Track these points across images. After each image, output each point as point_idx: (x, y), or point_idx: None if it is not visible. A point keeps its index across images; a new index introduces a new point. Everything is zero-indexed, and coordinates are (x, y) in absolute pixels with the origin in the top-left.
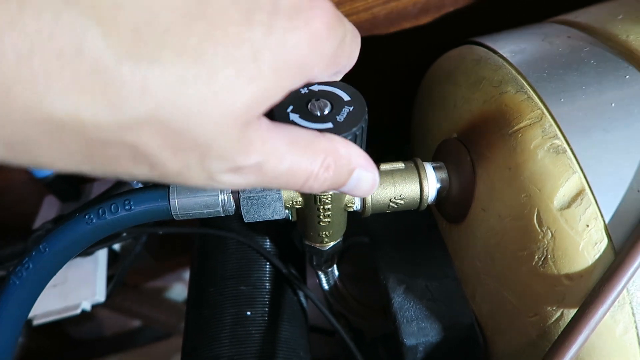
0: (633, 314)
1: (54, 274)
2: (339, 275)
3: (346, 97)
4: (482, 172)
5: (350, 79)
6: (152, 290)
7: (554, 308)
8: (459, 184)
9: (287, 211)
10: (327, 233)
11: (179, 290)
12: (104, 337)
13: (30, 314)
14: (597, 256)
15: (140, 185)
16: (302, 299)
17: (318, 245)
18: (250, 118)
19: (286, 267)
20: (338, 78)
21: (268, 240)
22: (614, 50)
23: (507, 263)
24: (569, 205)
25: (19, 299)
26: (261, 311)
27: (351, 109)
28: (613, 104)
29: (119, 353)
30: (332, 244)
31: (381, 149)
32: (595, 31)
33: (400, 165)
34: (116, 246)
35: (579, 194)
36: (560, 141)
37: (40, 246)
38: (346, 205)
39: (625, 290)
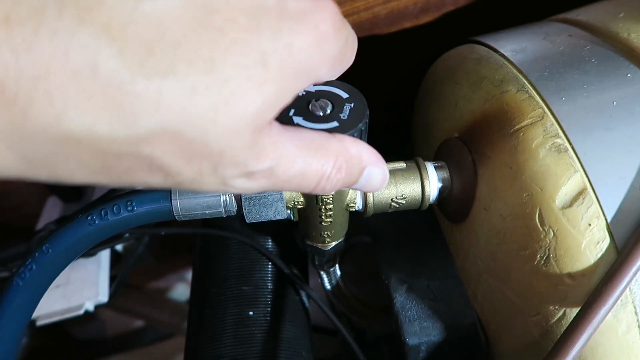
0: (635, 313)
1: (57, 275)
2: (340, 275)
3: (345, 95)
4: (483, 171)
5: (350, 79)
6: (154, 290)
7: (556, 307)
8: (461, 184)
9: (288, 211)
10: (328, 233)
11: (181, 290)
12: (107, 337)
13: (34, 315)
14: (599, 255)
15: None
16: (305, 299)
17: (320, 245)
18: (261, 123)
19: (288, 267)
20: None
21: (270, 240)
22: (615, 49)
23: (509, 262)
24: (570, 204)
25: (23, 300)
26: (263, 311)
27: (352, 105)
28: (615, 103)
29: (122, 353)
30: (334, 243)
31: (382, 149)
32: (597, 30)
33: (401, 164)
34: (119, 247)
35: (580, 192)
36: (561, 140)
37: (44, 247)
38: (348, 205)
39: (627, 289)
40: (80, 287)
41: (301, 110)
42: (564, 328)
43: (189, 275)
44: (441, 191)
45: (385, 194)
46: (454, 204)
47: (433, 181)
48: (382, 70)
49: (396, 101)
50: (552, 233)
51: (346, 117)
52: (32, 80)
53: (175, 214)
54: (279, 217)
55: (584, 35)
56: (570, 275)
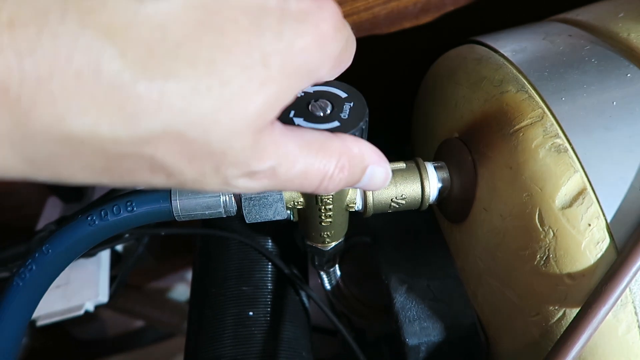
0: (635, 313)
1: (57, 275)
2: (340, 275)
3: (343, 94)
4: (483, 171)
5: (351, 80)
6: (154, 290)
7: (556, 307)
8: (461, 184)
9: (288, 212)
10: (328, 233)
11: (181, 290)
12: (107, 337)
13: (34, 315)
14: (599, 255)
15: None
16: (304, 299)
17: (320, 245)
18: (262, 123)
19: (288, 267)
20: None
21: (270, 241)
22: (615, 49)
23: (508, 262)
24: (570, 204)
25: (23, 300)
26: (263, 311)
27: (351, 104)
28: (614, 103)
29: (123, 353)
30: (333, 244)
31: (382, 149)
32: (596, 29)
33: (401, 165)
34: (119, 247)
35: (580, 193)
36: (561, 140)
37: (43, 248)
38: (347, 205)
39: (627, 289)
40: (80, 288)
41: (301, 111)
42: (564, 328)
43: (189, 275)
44: (441, 191)
45: (385, 194)
46: (453, 204)
47: (433, 181)
48: (382, 70)
49: (396, 101)
50: (551, 233)
51: (347, 116)
52: (35, 83)
53: (175, 215)
54: (278, 218)
55: (583, 35)
56: (570, 276)
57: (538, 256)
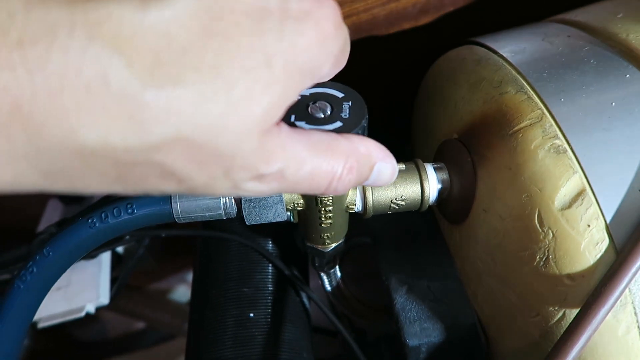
0: (635, 314)
1: (58, 277)
2: (341, 276)
3: (340, 94)
4: (482, 172)
5: (350, 80)
6: (155, 292)
7: (556, 308)
8: (460, 185)
9: (288, 213)
10: (328, 234)
11: (182, 292)
12: (108, 339)
13: (35, 317)
14: (598, 256)
15: None
16: (305, 300)
17: (320, 246)
18: (269, 124)
19: (288, 268)
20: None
21: (270, 242)
22: (614, 50)
23: (508, 263)
24: (569, 205)
25: (24, 302)
26: (264, 313)
27: (350, 104)
28: (613, 104)
29: (124, 355)
30: (333, 245)
31: None
32: (595, 30)
33: (401, 166)
34: (119, 249)
35: (579, 194)
36: (560, 141)
37: (44, 250)
38: (347, 206)
39: (627, 290)
40: (81, 289)
41: (302, 114)
42: (564, 329)
43: (189, 276)
44: (440, 192)
45: (385, 195)
46: (453, 205)
47: (432, 182)
48: (382, 71)
49: (396, 102)
50: (551, 234)
51: (347, 115)
52: (47, 97)
53: (175, 217)
54: (278, 219)
55: (582, 36)
56: (569, 276)
57: (538, 257)
